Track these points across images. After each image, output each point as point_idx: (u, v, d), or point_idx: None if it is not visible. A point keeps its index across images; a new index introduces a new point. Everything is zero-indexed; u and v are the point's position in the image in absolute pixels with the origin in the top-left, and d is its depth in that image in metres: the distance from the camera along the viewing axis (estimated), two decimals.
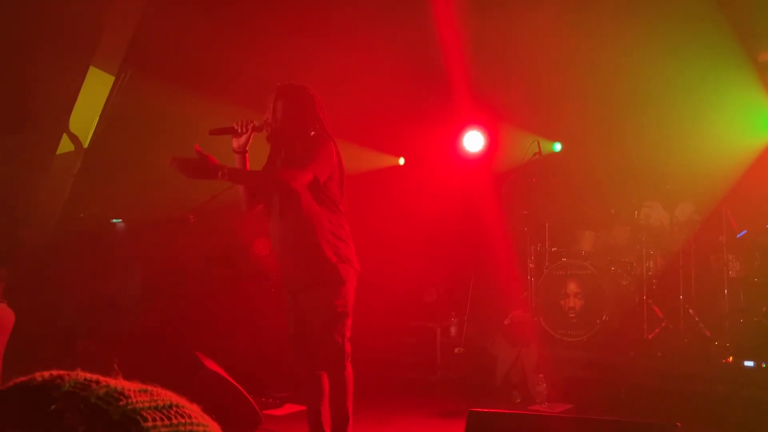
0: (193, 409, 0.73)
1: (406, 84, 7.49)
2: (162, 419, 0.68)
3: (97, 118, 6.83)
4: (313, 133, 3.74)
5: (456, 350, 6.65)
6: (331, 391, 3.83)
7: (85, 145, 6.91)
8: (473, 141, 7.82)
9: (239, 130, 3.65)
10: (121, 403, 0.67)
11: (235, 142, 3.69)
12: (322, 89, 7.03)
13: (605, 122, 7.06)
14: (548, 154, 7.29)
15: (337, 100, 7.46)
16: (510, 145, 7.56)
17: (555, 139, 7.66)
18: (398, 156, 8.74)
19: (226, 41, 6.83)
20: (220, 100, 6.59)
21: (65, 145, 6.87)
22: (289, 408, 5.65)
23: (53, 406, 0.66)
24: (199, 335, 6.40)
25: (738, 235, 6.22)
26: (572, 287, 6.35)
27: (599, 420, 3.04)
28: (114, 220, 8.04)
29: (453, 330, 6.89)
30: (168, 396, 0.72)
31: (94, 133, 6.89)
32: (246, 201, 3.78)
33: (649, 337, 6.15)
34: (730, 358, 5.56)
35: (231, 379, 4.61)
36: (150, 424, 0.67)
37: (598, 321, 6.11)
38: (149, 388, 0.72)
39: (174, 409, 0.70)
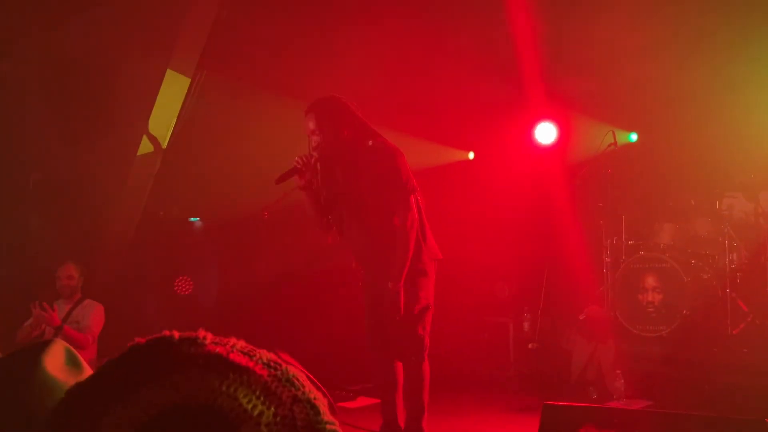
0: (308, 381, 0.75)
1: (476, 77, 7.43)
2: (288, 389, 0.71)
3: (175, 120, 7.04)
4: (370, 143, 3.73)
5: (530, 345, 6.56)
6: (407, 383, 3.84)
7: (164, 145, 7.13)
8: (546, 133, 7.69)
9: (302, 168, 3.69)
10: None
11: (300, 180, 3.73)
12: (389, 84, 7.10)
13: (682, 110, 6.81)
14: (624, 145, 7.10)
15: (407, 95, 7.49)
16: (584, 137, 7.40)
17: (631, 130, 7.46)
18: (468, 150, 8.68)
19: (295, 42, 6.94)
20: (292, 100, 6.69)
21: (145, 147, 7.10)
22: (362, 401, 5.70)
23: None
24: (275, 330, 6.52)
25: None
26: (651, 281, 6.17)
27: (680, 414, 2.95)
28: (192, 219, 8.29)
29: (526, 325, 6.80)
30: (290, 368, 0.75)
31: (172, 134, 7.10)
32: (319, 222, 3.85)
33: (734, 332, 5.91)
34: None
35: (306, 372, 4.68)
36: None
37: (678, 316, 5.92)
38: (272, 356, 0.75)
39: (294, 379, 0.73)
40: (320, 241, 4.32)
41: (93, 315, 5.71)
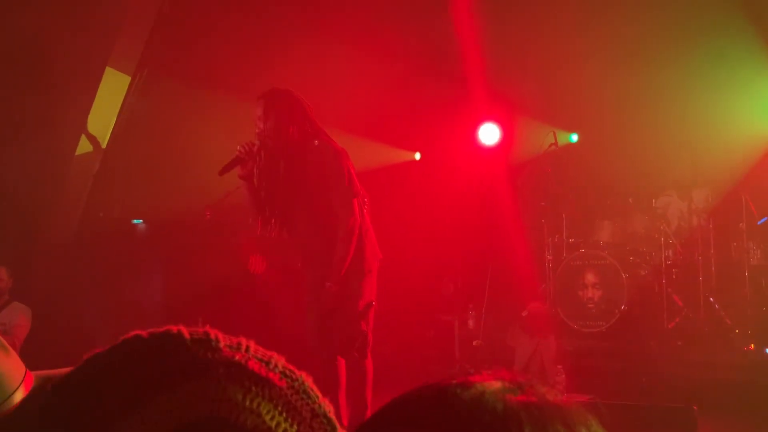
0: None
1: (421, 79, 7.49)
2: (291, 387, 0.66)
3: (115, 119, 6.90)
4: (317, 142, 3.73)
5: (474, 343, 6.64)
6: (350, 381, 3.85)
7: (104, 145, 6.98)
8: (489, 134, 7.80)
9: (244, 157, 3.66)
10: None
11: (242, 170, 3.71)
12: (336, 86, 7.11)
13: (620, 113, 7.01)
14: (565, 145, 7.26)
15: (352, 96, 7.50)
16: (526, 137, 7.53)
17: (571, 130, 7.62)
18: (414, 151, 8.74)
19: (239, 39, 6.88)
20: (235, 98, 6.63)
21: (84, 146, 6.95)
22: None
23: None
24: (222, 331, 6.43)
25: (759, 222, 6.15)
26: (590, 277, 6.31)
27: (614, 405, 3.04)
28: (135, 221, 8.13)
29: (471, 322, 6.88)
30: (283, 362, 0.69)
31: (112, 133, 6.96)
32: (257, 214, 3.82)
33: (670, 326, 6.10)
34: (752, 346, 5.50)
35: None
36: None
37: (617, 311, 6.08)
38: (269, 354, 0.69)
39: (287, 372, 0.68)
40: (264, 240, 4.29)
41: (19, 317, 5.60)
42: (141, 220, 8.12)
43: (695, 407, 2.51)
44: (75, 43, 6.30)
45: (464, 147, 7.97)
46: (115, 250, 7.53)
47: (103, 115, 6.87)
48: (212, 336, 0.66)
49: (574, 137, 7.67)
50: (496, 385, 0.60)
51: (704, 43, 6.25)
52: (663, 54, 6.68)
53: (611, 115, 7.12)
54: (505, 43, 6.94)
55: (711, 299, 6.11)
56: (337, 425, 0.65)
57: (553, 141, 6.91)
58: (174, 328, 0.66)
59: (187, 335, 0.65)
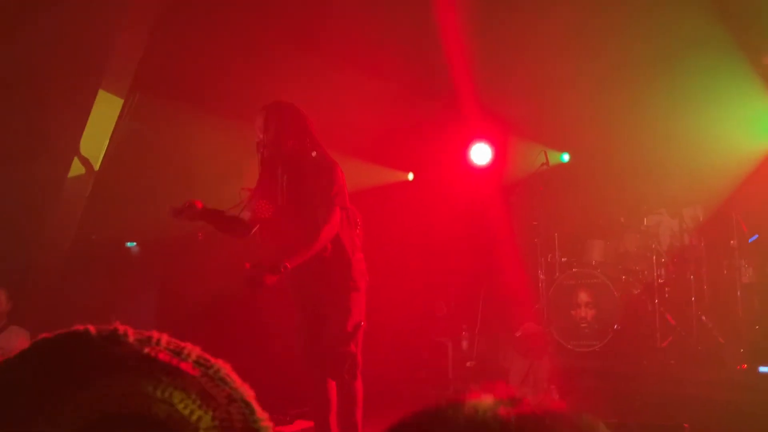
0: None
1: (413, 99, 7.53)
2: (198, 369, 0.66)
3: (107, 141, 6.91)
4: (314, 153, 3.75)
5: (468, 364, 6.62)
6: (340, 403, 3.83)
7: (96, 167, 6.98)
8: (481, 153, 7.83)
9: (191, 212, 3.65)
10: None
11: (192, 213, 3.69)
12: (328, 106, 7.14)
13: (610, 131, 7.05)
14: (556, 165, 7.29)
15: (344, 117, 7.53)
16: (518, 157, 7.56)
17: (562, 150, 7.66)
18: (407, 171, 8.77)
19: (231, 61, 6.91)
20: (226, 119, 6.66)
21: (76, 168, 6.95)
22: (300, 424, 5.63)
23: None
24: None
25: (750, 240, 6.17)
26: (583, 297, 6.31)
27: (607, 423, 3.01)
28: (128, 244, 8.10)
29: (465, 344, 6.86)
30: (197, 351, 0.70)
31: (105, 155, 6.97)
32: (233, 235, 3.81)
33: (663, 345, 6.09)
34: (744, 365, 5.49)
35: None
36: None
37: (610, 330, 6.07)
38: (182, 343, 0.70)
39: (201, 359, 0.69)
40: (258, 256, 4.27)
41: (17, 341, 5.56)
42: (134, 243, 8.10)
43: (686, 426, 2.50)
44: (67, 66, 6.32)
45: (456, 167, 8.00)
46: (108, 272, 7.51)
47: (96, 137, 6.88)
48: (120, 331, 0.66)
49: (566, 157, 7.71)
50: (489, 400, 0.61)
51: (692, 63, 6.30)
52: (652, 74, 6.74)
53: (601, 135, 7.16)
54: (496, 63, 6.99)
55: (703, 318, 6.11)
56: (257, 409, 0.66)
57: (545, 160, 6.94)
58: (81, 327, 0.66)
59: (94, 332, 0.65)
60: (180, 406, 0.60)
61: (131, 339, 0.65)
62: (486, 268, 7.35)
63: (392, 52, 7.09)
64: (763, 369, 5.31)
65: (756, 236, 6.13)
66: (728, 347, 5.84)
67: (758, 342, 5.65)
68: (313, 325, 3.77)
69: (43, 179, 6.71)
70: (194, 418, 0.60)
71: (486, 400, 0.62)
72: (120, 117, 6.82)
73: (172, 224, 6.82)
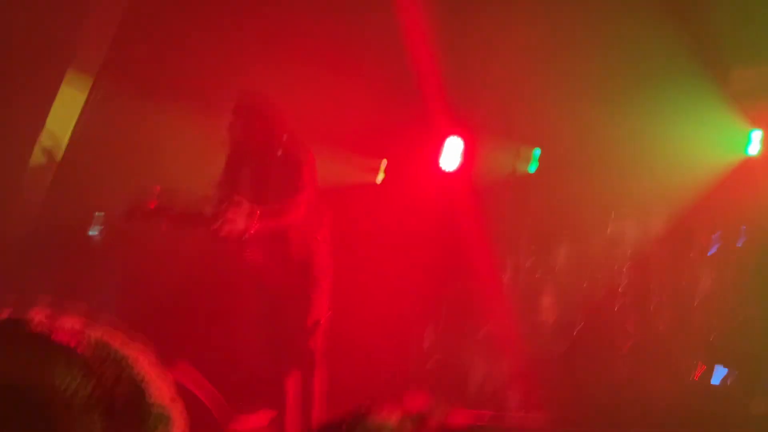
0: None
1: (382, 97, 7.51)
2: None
3: (73, 126, 6.78)
4: (284, 149, 3.73)
5: (428, 364, 6.64)
6: (300, 398, 3.82)
7: (59, 156, 6.85)
8: (451, 154, 7.83)
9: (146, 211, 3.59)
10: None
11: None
12: (295, 103, 7.08)
13: (578, 136, 7.11)
14: (523, 169, 7.34)
15: (313, 115, 7.49)
16: (488, 158, 7.59)
17: (531, 152, 7.69)
18: (377, 169, 8.74)
19: (204, 50, 6.83)
20: (200, 109, 6.57)
21: (39, 154, 6.81)
22: (264, 414, 5.59)
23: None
24: (182, 341, 6.33)
25: (710, 252, 6.29)
26: (546, 301, 6.37)
27: None
28: (91, 232, 7.96)
29: (426, 343, 6.87)
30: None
31: (70, 140, 6.84)
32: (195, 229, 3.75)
33: (623, 351, 6.17)
34: (699, 374, 5.60)
35: (197, 388, 4.56)
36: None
37: (570, 335, 6.14)
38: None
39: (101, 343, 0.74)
40: (222, 249, 4.24)
41: None
42: (96, 231, 7.96)
43: None
44: (32, 52, 6.19)
45: (426, 166, 8.00)
46: (69, 261, 7.37)
47: (60, 125, 6.74)
48: (26, 317, 0.73)
49: (535, 160, 7.73)
50: (395, 417, 0.65)
51: (661, 77, 6.39)
52: (622, 82, 6.81)
53: (568, 141, 7.22)
54: (464, 59, 7.00)
55: (662, 326, 6.21)
56: (151, 393, 0.70)
57: (513, 167, 6.99)
58: None
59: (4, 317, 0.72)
60: (57, 380, 0.65)
61: (35, 321, 0.73)
62: (451, 267, 7.37)
63: (358, 50, 7.06)
64: (717, 376, 5.41)
65: (716, 247, 6.24)
66: (685, 356, 5.94)
67: (713, 354, 5.76)
68: (272, 319, 3.75)
69: (3, 166, 6.57)
70: (69, 391, 0.65)
71: (391, 417, 0.66)
72: (86, 105, 6.70)
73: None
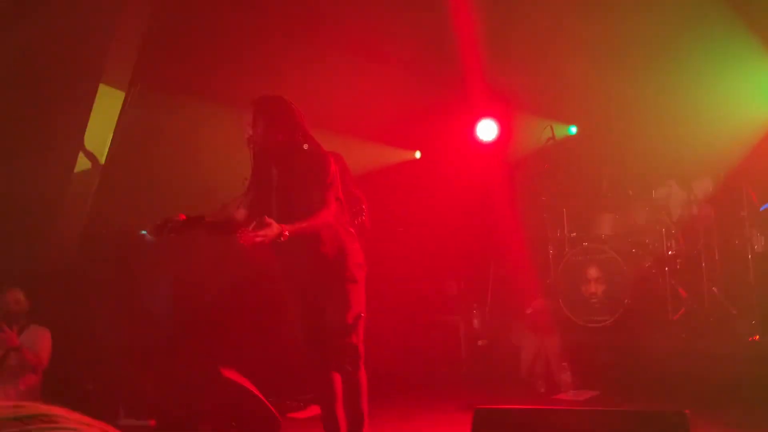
0: (69, 417, 0.73)
1: (418, 77, 7.46)
2: (17, 426, 0.69)
3: (111, 135, 6.92)
4: (306, 146, 3.72)
5: (479, 342, 6.62)
6: (345, 394, 3.84)
7: (102, 161, 7.01)
8: (487, 130, 7.76)
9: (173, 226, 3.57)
10: None
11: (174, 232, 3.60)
12: (333, 88, 7.09)
13: (617, 104, 6.94)
14: (563, 138, 7.20)
15: (350, 98, 7.49)
16: (524, 132, 7.48)
17: (569, 123, 7.56)
18: (414, 150, 8.72)
19: (234, 46, 6.87)
20: (230, 106, 6.62)
21: (82, 164, 6.97)
22: (313, 410, 5.68)
23: None
24: (230, 341, 6.46)
25: (761, 209, 6.08)
26: (593, 272, 6.27)
27: (604, 411, 3.01)
28: (142, 231, 8.15)
29: (476, 322, 6.86)
30: (40, 407, 0.72)
31: (110, 149, 6.98)
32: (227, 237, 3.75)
33: (674, 318, 6.05)
34: (757, 336, 5.44)
35: (250, 385, 4.65)
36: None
37: (620, 305, 6.03)
38: (24, 404, 0.72)
39: (38, 418, 0.71)
40: (258, 255, 4.26)
41: (41, 340, 5.69)
42: (146, 231, 8.14)
43: (687, 411, 2.47)
44: (67, 61, 6.32)
45: (463, 145, 7.94)
46: (120, 264, 7.56)
47: (100, 131, 6.89)
48: None
49: (573, 129, 7.61)
50: None
51: (697, 33, 6.17)
52: (659, 46, 6.62)
53: (608, 108, 7.06)
54: (502, 38, 6.89)
55: (715, 289, 6.05)
56: None
57: (551, 135, 6.87)
58: None
59: None
60: None
61: None
62: (495, 245, 7.32)
63: (397, 32, 7.01)
64: None
65: (767, 205, 6.03)
66: (740, 319, 5.79)
67: None
68: (312, 318, 3.77)
69: (49, 176, 6.75)
70: None
71: None
72: (122, 110, 6.82)
73: (180, 212, 6.89)
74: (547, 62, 7.16)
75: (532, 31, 6.85)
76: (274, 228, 3.30)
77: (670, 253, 6.24)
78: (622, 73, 6.73)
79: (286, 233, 3.34)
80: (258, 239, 3.27)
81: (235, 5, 6.73)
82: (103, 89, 6.70)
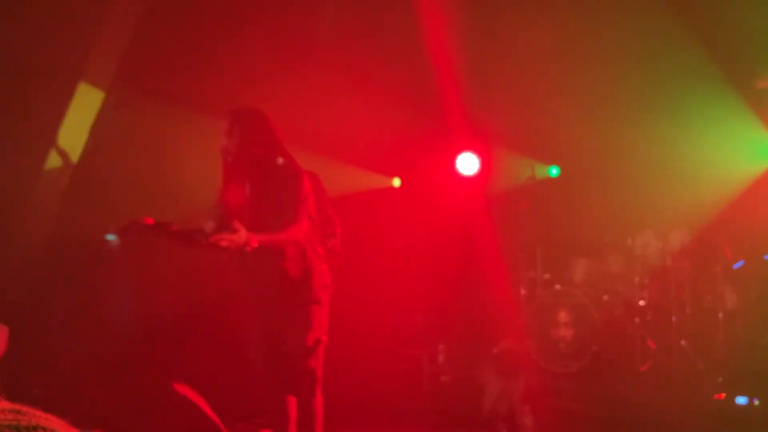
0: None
1: (400, 106, 7.41)
2: None
3: (87, 134, 6.77)
4: (281, 160, 3.62)
5: (443, 378, 6.50)
6: (300, 418, 3.71)
7: (74, 160, 6.84)
8: (468, 163, 7.71)
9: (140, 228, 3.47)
10: None
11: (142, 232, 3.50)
12: (315, 109, 7.03)
13: (599, 149, 6.95)
14: (543, 179, 7.18)
15: (330, 118, 7.43)
16: (505, 168, 7.46)
17: (551, 164, 7.55)
18: (393, 177, 8.65)
19: (218, 58, 6.80)
20: (211, 115, 6.52)
21: (53, 161, 6.81)
22: None
23: None
24: (187, 358, 6.28)
25: (734, 266, 6.07)
26: (563, 316, 6.20)
27: None
28: (108, 236, 7.96)
29: (441, 357, 6.73)
30: (38, 417, 0.72)
31: (84, 148, 6.83)
32: (194, 248, 3.62)
33: (642, 369, 5.99)
34: (723, 395, 5.38)
35: (203, 404, 4.49)
36: None
37: (588, 351, 5.96)
38: (22, 408, 0.72)
39: (39, 429, 0.71)
40: (220, 267, 4.14)
41: None
42: (114, 236, 7.96)
43: None
44: (48, 55, 6.18)
45: (443, 175, 7.89)
46: (85, 266, 7.37)
47: (75, 130, 6.74)
48: None
49: (554, 171, 7.60)
50: None
51: (683, 87, 6.22)
52: (645, 96, 6.65)
53: (590, 153, 7.06)
54: (485, 74, 6.89)
55: (683, 343, 6.00)
56: None
57: (531, 174, 6.84)
58: None
59: None
60: None
61: None
62: (467, 280, 7.24)
63: (381, 58, 6.98)
64: (740, 399, 5.20)
65: (741, 262, 6.02)
66: (707, 375, 5.74)
67: (738, 371, 5.54)
68: (271, 337, 3.65)
69: (18, 171, 6.56)
70: None
71: None
72: (101, 110, 6.68)
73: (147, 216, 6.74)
74: (533, 102, 7.17)
75: (520, 70, 6.86)
76: (242, 235, 3.19)
77: (641, 303, 6.20)
78: (607, 119, 6.75)
79: (254, 243, 3.24)
80: (224, 243, 3.15)
81: (224, 16, 6.68)
82: (83, 87, 6.57)
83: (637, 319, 6.11)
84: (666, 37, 5.88)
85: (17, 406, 0.72)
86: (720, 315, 5.94)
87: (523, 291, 6.65)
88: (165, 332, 6.58)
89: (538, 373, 6.06)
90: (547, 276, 6.64)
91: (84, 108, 6.71)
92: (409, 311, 7.57)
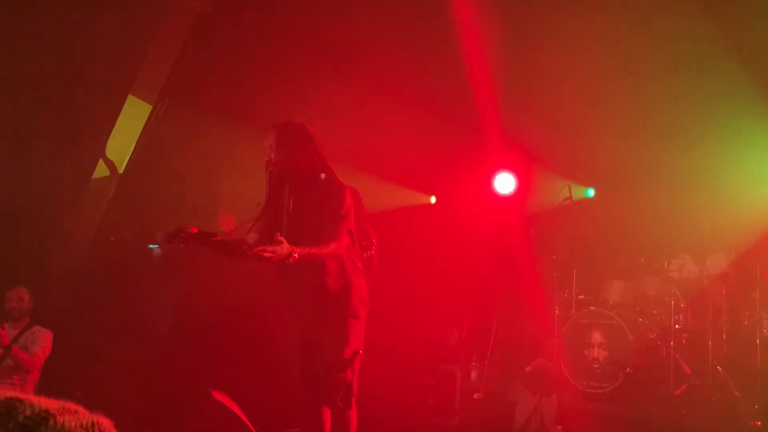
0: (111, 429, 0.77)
1: (438, 125, 7.50)
2: None
3: (133, 145, 6.98)
4: (323, 175, 3.72)
5: (475, 395, 6.51)
6: (334, 430, 3.78)
7: (120, 170, 7.05)
8: (505, 183, 7.76)
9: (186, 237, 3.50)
10: (50, 422, 0.72)
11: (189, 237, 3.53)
12: (354, 128, 7.14)
13: (637, 171, 6.94)
14: (580, 200, 7.19)
15: (371, 138, 7.54)
16: (542, 188, 7.48)
17: (588, 185, 7.55)
18: (430, 195, 8.73)
19: (262, 76, 6.96)
20: (252, 131, 6.68)
21: (101, 170, 7.03)
22: None
23: None
24: (222, 366, 6.40)
25: None
26: (597, 337, 6.19)
27: None
28: (151, 246, 8.15)
29: (474, 374, 6.76)
30: (89, 415, 0.76)
31: (130, 159, 7.03)
32: (236, 259, 3.70)
33: (676, 393, 5.93)
34: (759, 422, 5.31)
35: (239, 411, 4.59)
36: None
37: (622, 373, 5.93)
38: (72, 407, 0.76)
39: (97, 427, 0.75)
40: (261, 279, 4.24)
41: (41, 341, 5.69)
42: (157, 246, 8.15)
43: None
44: (99, 69, 6.40)
45: (479, 194, 7.94)
46: (127, 273, 7.55)
47: (122, 141, 6.95)
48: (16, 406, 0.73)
49: (591, 192, 7.60)
50: None
51: (724, 110, 6.18)
52: (685, 116, 6.62)
53: (628, 174, 7.05)
54: (523, 92, 6.93)
55: (719, 368, 5.94)
56: None
57: (568, 195, 6.85)
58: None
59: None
60: None
61: (21, 416, 0.72)
62: (502, 298, 7.26)
63: (420, 77, 7.08)
64: None
65: None
66: (744, 401, 5.67)
67: None
68: (309, 350, 3.73)
69: (67, 179, 6.79)
70: None
71: None
72: (147, 122, 6.89)
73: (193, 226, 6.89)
74: (571, 122, 7.19)
75: (558, 90, 6.89)
76: (285, 247, 3.26)
77: (677, 326, 6.15)
78: (645, 140, 6.74)
79: (296, 255, 3.31)
80: (267, 254, 3.22)
81: (270, 36, 6.84)
82: (131, 100, 6.78)
83: (672, 343, 6.06)
84: (709, 60, 5.86)
85: (71, 405, 0.75)
86: (757, 341, 5.87)
87: (557, 311, 6.64)
88: (204, 339, 6.71)
89: (571, 393, 6.05)
90: (581, 296, 6.63)
91: (132, 120, 6.93)
92: (444, 327, 7.61)
